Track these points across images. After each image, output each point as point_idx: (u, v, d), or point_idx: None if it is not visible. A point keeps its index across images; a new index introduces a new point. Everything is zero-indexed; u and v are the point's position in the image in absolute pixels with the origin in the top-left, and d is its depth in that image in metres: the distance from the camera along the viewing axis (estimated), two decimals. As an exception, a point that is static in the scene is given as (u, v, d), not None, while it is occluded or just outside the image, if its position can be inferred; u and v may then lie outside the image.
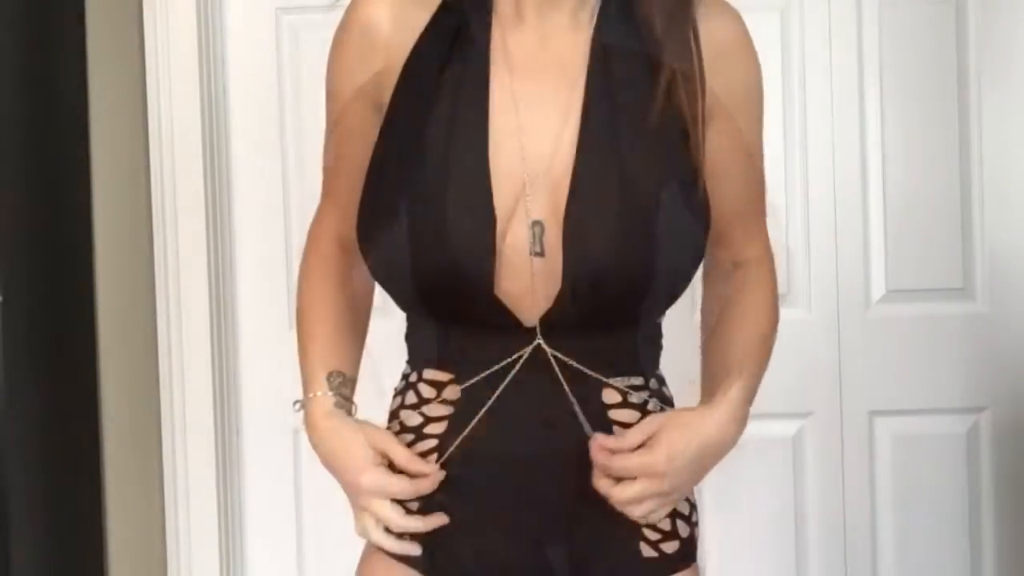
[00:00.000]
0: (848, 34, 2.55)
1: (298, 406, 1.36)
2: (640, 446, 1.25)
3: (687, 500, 1.35)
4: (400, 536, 1.30)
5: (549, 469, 1.29)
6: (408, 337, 1.37)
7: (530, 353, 1.26)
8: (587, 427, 1.28)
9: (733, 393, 1.30)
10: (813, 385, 2.57)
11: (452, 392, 1.29)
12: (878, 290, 2.56)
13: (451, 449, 1.30)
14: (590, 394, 1.29)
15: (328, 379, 1.33)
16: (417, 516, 1.28)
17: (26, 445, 2.20)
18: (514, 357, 1.26)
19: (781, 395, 2.56)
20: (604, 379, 1.29)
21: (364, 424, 1.31)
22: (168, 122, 2.52)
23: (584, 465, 1.27)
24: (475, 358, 1.28)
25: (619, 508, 1.25)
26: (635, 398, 1.32)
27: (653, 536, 1.31)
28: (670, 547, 1.32)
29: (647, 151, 1.25)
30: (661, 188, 1.24)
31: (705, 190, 1.29)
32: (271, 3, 2.60)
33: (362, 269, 1.36)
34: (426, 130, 1.25)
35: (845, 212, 2.55)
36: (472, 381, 1.28)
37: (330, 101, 1.39)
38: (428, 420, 1.31)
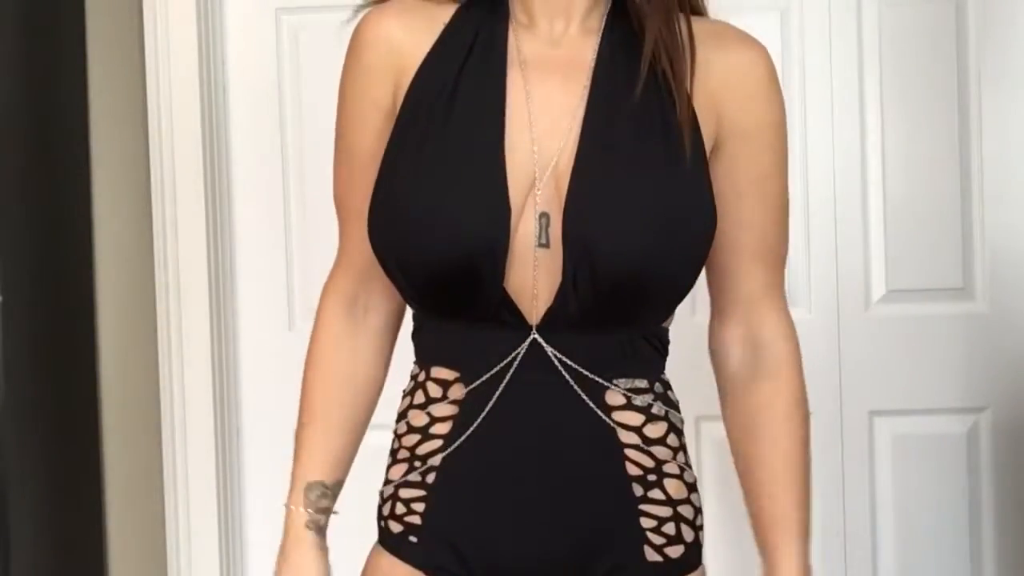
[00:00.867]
0: (848, 34, 2.55)
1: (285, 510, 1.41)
2: None
3: (692, 505, 1.35)
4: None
5: (554, 469, 1.29)
6: (415, 336, 1.37)
7: (533, 353, 1.27)
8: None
9: (797, 562, 1.33)
10: (813, 385, 2.54)
11: (457, 391, 1.30)
12: (878, 290, 2.57)
13: (452, 448, 1.31)
14: (593, 395, 1.29)
15: (307, 492, 1.40)
16: None
17: (26, 445, 2.20)
18: (513, 355, 1.27)
19: (781, 395, 2.56)
20: (605, 382, 1.29)
21: (307, 572, 1.40)
22: (168, 122, 2.52)
23: (589, 465, 1.29)
24: (480, 355, 1.29)
25: None
26: (639, 401, 1.32)
27: (658, 540, 1.31)
28: (674, 552, 1.32)
29: (646, 147, 1.28)
30: (659, 182, 1.27)
31: (710, 186, 1.30)
32: (271, 3, 2.60)
33: (377, 324, 1.40)
34: (444, 126, 1.28)
35: (845, 212, 2.55)
36: (476, 384, 1.29)
37: (341, 122, 1.41)
38: (434, 420, 1.32)
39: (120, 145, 2.54)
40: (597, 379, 1.29)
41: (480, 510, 1.30)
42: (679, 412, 1.38)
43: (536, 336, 1.27)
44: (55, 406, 2.35)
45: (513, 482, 1.29)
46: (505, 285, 1.26)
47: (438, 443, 1.31)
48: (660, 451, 1.32)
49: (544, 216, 1.26)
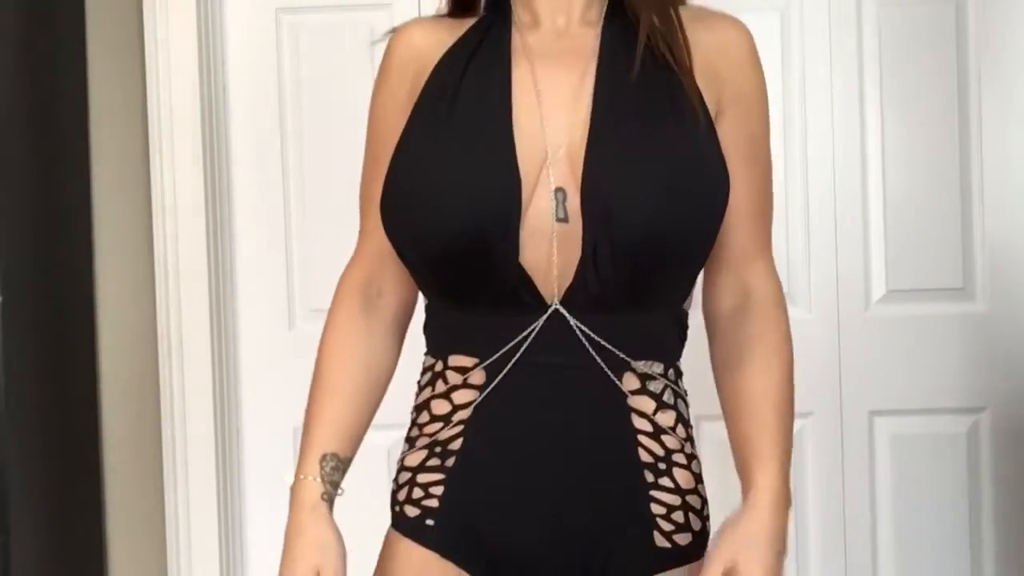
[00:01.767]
0: (848, 34, 2.55)
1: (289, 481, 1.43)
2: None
3: (699, 495, 1.38)
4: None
5: (569, 452, 1.33)
6: (428, 327, 1.42)
7: (552, 329, 1.31)
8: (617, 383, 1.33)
9: (774, 482, 1.36)
10: (813, 385, 2.57)
11: (478, 377, 1.34)
12: (878, 290, 2.57)
13: (472, 431, 1.35)
14: (615, 374, 1.33)
15: (322, 463, 1.40)
16: None
17: (26, 445, 2.20)
18: (530, 329, 1.31)
19: (781, 395, 2.56)
20: (628, 358, 1.33)
21: (328, 545, 1.37)
22: (168, 122, 2.52)
23: (604, 449, 1.33)
24: (499, 339, 1.32)
25: None
26: (652, 387, 1.36)
27: (667, 527, 1.35)
28: (683, 539, 1.36)
29: (656, 120, 1.33)
30: (675, 149, 1.32)
31: (720, 151, 1.35)
32: (271, 3, 2.60)
33: (391, 310, 1.45)
34: (450, 113, 1.35)
35: (845, 212, 2.56)
36: (494, 357, 1.32)
37: (373, 124, 1.46)
38: (456, 408, 1.36)
39: (120, 145, 2.54)
40: (620, 354, 1.33)
41: (497, 492, 1.34)
42: (687, 403, 1.42)
43: (558, 307, 1.31)
44: (55, 406, 2.35)
45: (529, 464, 1.33)
46: (522, 263, 1.30)
47: (459, 428, 1.35)
48: (670, 440, 1.36)
49: (560, 191, 1.30)
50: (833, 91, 2.55)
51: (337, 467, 1.40)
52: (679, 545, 1.35)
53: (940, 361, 2.56)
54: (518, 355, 1.32)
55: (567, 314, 1.31)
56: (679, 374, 1.41)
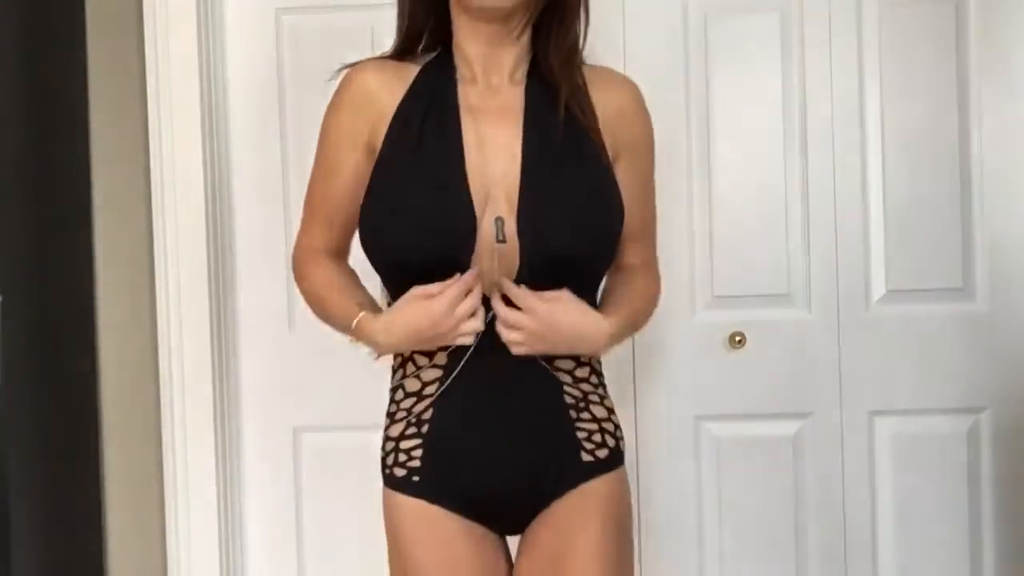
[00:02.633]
0: (848, 34, 2.55)
1: (370, 352, 1.78)
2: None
3: (612, 423, 1.81)
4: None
5: (515, 405, 1.74)
6: None
7: (495, 323, 1.69)
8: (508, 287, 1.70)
9: (616, 317, 1.76)
10: (813, 385, 2.57)
11: (440, 358, 1.74)
12: (878, 290, 2.57)
13: (439, 400, 1.74)
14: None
15: (359, 306, 1.77)
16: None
17: (26, 445, 2.20)
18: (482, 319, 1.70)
19: (781, 395, 2.56)
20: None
21: (397, 304, 1.73)
22: (168, 122, 2.52)
23: (539, 399, 1.75)
24: None
25: (503, 340, 1.69)
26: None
27: (589, 446, 1.77)
28: (602, 453, 1.78)
29: (572, 162, 1.74)
30: (584, 187, 1.73)
31: (617, 188, 1.77)
32: (271, 3, 2.60)
33: (344, 263, 1.86)
34: (416, 163, 1.72)
35: (845, 212, 2.56)
36: (452, 347, 1.71)
37: (323, 148, 1.82)
38: (424, 384, 1.76)
39: (120, 144, 2.54)
40: None
41: (463, 446, 1.74)
42: (599, 360, 1.83)
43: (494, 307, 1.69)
44: (55, 406, 2.35)
45: (486, 420, 1.74)
46: None
47: (429, 400, 1.75)
48: (585, 386, 1.79)
49: (499, 219, 1.70)
50: (833, 91, 2.55)
51: (371, 305, 1.79)
52: (600, 459, 1.78)
53: (940, 361, 2.56)
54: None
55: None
56: None
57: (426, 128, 1.73)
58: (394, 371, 1.81)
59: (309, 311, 2.63)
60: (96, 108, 2.53)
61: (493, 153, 1.73)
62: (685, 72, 2.55)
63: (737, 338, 2.54)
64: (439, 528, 1.75)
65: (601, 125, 1.78)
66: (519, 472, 1.75)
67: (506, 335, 1.68)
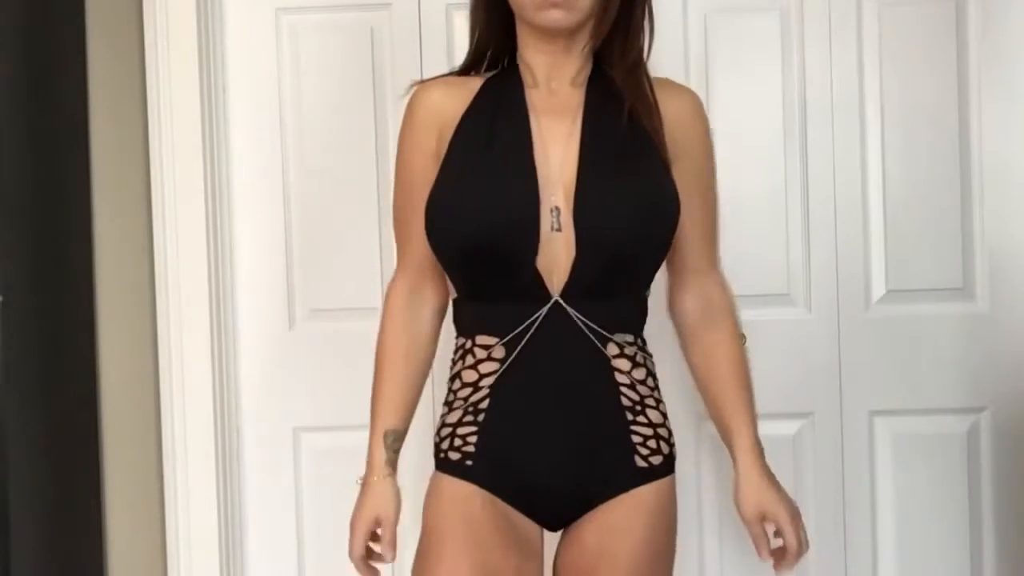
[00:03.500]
0: (848, 34, 2.55)
1: (358, 480, 1.90)
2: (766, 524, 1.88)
3: (667, 428, 1.84)
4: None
5: (571, 402, 1.78)
6: (456, 317, 1.86)
7: (554, 315, 1.76)
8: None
9: (752, 440, 1.88)
10: (813, 385, 2.57)
11: (499, 352, 1.79)
12: (878, 290, 2.57)
13: (496, 392, 1.80)
14: (601, 344, 1.79)
15: (385, 438, 1.87)
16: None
17: (26, 445, 2.20)
18: (537, 314, 1.76)
19: (781, 395, 2.56)
20: (608, 334, 1.79)
21: (388, 499, 1.87)
22: (168, 122, 2.52)
23: (596, 398, 1.78)
24: (514, 323, 1.77)
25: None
26: (628, 351, 1.81)
27: (644, 452, 1.80)
28: (656, 460, 1.81)
29: (630, 157, 1.79)
30: (641, 182, 1.78)
31: (673, 183, 1.81)
32: (271, 3, 2.60)
33: (430, 310, 1.91)
34: (486, 154, 1.79)
35: (845, 212, 2.56)
36: (511, 336, 1.77)
37: (401, 166, 1.89)
38: (481, 376, 1.80)
39: (120, 144, 2.54)
40: (602, 331, 1.78)
41: (518, 439, 1.78)
42: (653, 362, 1.87)
43: (558, 299, 1.76)
44: (55, 406, 2.35)
45: (541, 415, 1.78)
46: (536, 265, 1.75)
47: (486, 391, 1.80)
48: (643, 389, 1.82)
49: (555, 209, 1.76)
50: (833, 91, 2.55)
51: (397, 438, 1.88)
52: (653, 465, 1.81)
53: (940, 361, 2.56)
54: (529, 335, 1.77)
55: (564, 304, 1.76)
56: (644, 342, 1.86)
57: (495, 127, 1.81)
58: (453, 361, 1.86)
59: (309, 311, 2.64)
60: (96, 108, 2.53)
61: (552, 147, 1.79)
62: (685, 71, 2.54)
63: (737, 338, 2.54)
64: (478, 508, 1.78)
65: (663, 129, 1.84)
66: (570, 471, 1.78)
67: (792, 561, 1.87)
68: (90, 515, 2.52)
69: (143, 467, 2.55)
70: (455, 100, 1.85)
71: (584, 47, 1.85)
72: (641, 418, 1.80)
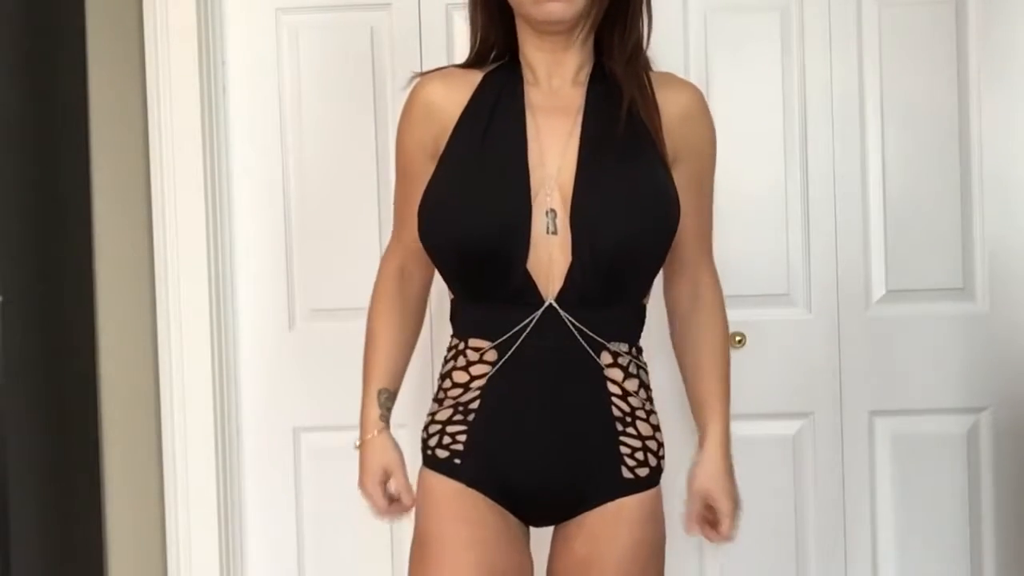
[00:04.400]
0: (848, 34, 2.55)
1: (356, 443, 1.89)
2: (707, 506, 1.86)
3: (656, 441, 1.82)
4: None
5: (560, 409, 1.75)
6: (453, 317, 1.84)
7: (547, 320, 1.73)
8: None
9: (721, 428, 1.89)
10: (813, 385, 2.57)
11: (491, 355, 1.76)
12: (878, 290, 2.57)
13: (486, 393, 1.77)
14: (594, 353, 1.76)
15: (379, 395, 1.88)
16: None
17: (26, 445, 2.20)
18: (529, 319, 1.74)
19: (781, 395, 2.56)
20: (604, 341, 1.76)
21: (390, 449, 1.87)
22: (168, 122, 2.52)
23: (586, 407, 1.76)
24: (507, 326, 1.75)
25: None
26: (621, 360, 1.78)
27: (631, 463, 1.79)
28: (642, 472, 1.80)
29: (629, 159, 1.76)
30: (640, 184, 1.75)
31: (674, 186, 1.78)
32: (271, 3, 2.60)
33: (417, 286, 1.94)
34: (481, 151, 1.77)
35: (845, 212, 2.56)
36: (503, 339, 1.75)
37: (399, 155, 1.88)
38: (473, 377, 1.78)
39: (120, 145, 2.54)
40: (597, 338, 1.75)
41: (506, 440, 1.76)
42: (647, 372, 1.84)
43: (552, 303, 1.73)
44: (55, 406, 2.35)
45: (530, 419, 1.75)
46: (528, 265, 1.72)
47: (477, 392, 1.78)
48: (634, 400, 1.79)
49: (551, 211, 1.73)
50: (833, 91, 2.55)
51: (389, 397, 1.89)
52: (639, 477, 1.79)
53: (940, 361, 2.56)
54: (521, 339, 1.74)
55: (559, 308, 1.73)
56: (640, 351, 1.83)
57: (492, 125, 1.79)
58: (445, 360, 1.84)
59: (309, 311, 2.64)
60: (96, 108, 2.53)
61: (551, 147, 1.77)
62: (685, 70, 2.54)
63: (737, 338, 2.54)
64: (471, 507, 1.78)
65: (663, 127, 1.80)
66: (557, 478, 1.77)
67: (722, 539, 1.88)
68: (90, 514, 2.52)
69: (143, 467, 2.56)
70: (454, 96, 1.83)
71: (582, 40, 1.82)
72: (631, 429, 1.78)
